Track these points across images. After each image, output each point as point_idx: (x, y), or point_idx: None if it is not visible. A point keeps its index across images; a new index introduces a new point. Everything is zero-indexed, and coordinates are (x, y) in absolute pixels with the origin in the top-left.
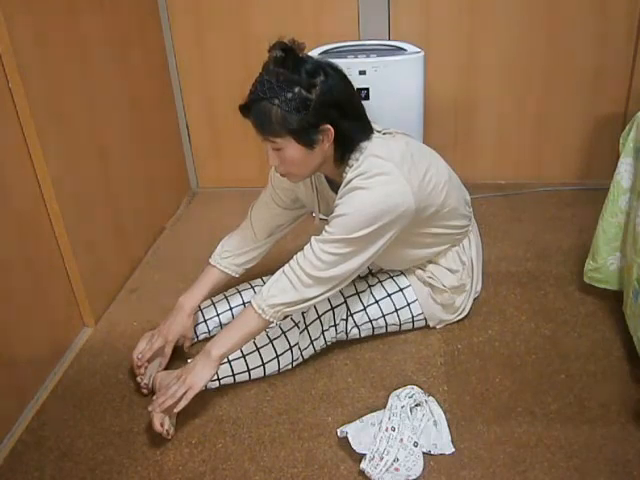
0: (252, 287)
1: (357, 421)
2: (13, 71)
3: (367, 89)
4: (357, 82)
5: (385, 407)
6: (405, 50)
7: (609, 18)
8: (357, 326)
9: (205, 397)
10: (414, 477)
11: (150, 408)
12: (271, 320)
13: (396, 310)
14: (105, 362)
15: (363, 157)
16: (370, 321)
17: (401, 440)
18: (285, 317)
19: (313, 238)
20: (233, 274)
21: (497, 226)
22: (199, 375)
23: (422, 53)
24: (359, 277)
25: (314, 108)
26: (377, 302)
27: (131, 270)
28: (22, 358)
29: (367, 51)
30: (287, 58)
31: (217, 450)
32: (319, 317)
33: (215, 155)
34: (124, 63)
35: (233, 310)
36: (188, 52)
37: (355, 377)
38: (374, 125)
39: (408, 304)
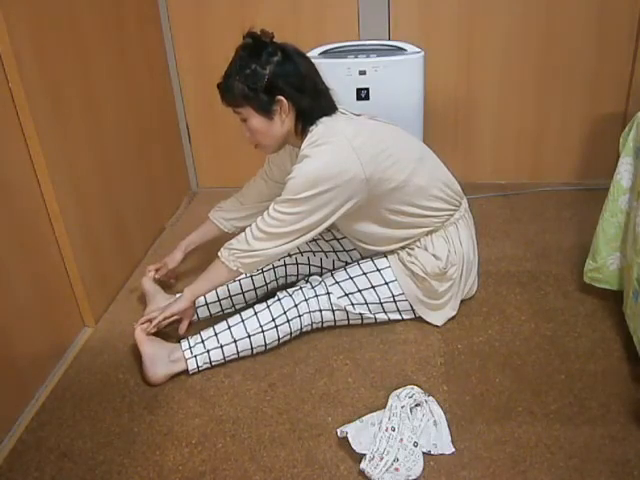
0: (255, 289)
1: (357, 421)
2: (13, 71)
3: (367, 89)
4: (357, 82)
5: (385, 407)
6: (405, 50)
7: (609, 18)
8: (330, 293)
9: (205, 397)
10: (414, 477)
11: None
12: (230, 266)
13: (373, 287)
14: (105, 362)
15: (317, 129)
16: (346, 295)
17: (401, 440)
18: (250, 270)
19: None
20: (222, 228)
21: (497, 226)
22: (174, 305)
23: (422, 53)
24: (339, 260)
25: (268, 81)
26: (351, 278)
27: (131, 270)
28: (22, 358)
29: (367, 51)
30: (253, 44)
31: (217, 450)
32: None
33: (215, 155)
34: (124, 63)
35: (236, 306)
36: (188, 52)
37: (355, 377)
38: (352, 111)
39: (386, 282)
